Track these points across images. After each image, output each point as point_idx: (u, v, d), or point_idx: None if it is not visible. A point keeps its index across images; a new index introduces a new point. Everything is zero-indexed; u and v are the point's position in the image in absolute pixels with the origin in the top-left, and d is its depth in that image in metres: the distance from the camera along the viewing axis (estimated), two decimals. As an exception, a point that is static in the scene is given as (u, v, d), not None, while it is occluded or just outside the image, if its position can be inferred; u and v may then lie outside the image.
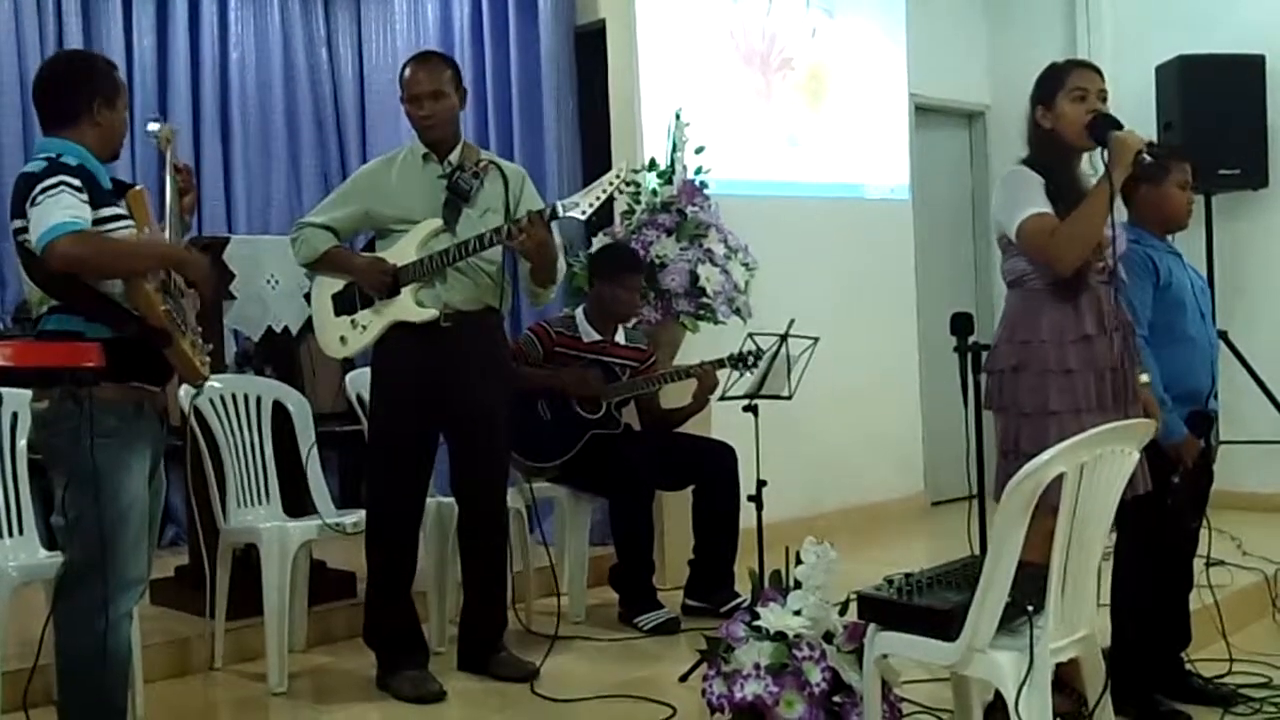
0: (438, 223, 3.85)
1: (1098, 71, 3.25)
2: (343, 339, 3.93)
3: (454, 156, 3.90)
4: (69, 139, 2.92)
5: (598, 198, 3.76)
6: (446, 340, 3.83)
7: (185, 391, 3.82)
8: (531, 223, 3.70)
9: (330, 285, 3.95)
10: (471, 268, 3.85)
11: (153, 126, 3.15)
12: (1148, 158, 3.06)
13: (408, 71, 3.90)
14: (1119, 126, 3.11)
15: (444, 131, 3.89)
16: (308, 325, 4.22)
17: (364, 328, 3.88)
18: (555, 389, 4.63)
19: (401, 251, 3.84)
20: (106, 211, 2.88)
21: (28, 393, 3.32)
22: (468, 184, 3.86)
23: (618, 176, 3.84)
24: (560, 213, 3.76)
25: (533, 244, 3.73)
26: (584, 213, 3.77)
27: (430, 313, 3.81)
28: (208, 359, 3.07)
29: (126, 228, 2.91)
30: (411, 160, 3.93)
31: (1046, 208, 3.09)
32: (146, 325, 2.88)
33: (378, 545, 3.90)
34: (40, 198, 2.76)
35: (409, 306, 3.82)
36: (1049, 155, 3.19)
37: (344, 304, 3.92)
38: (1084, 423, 2.95)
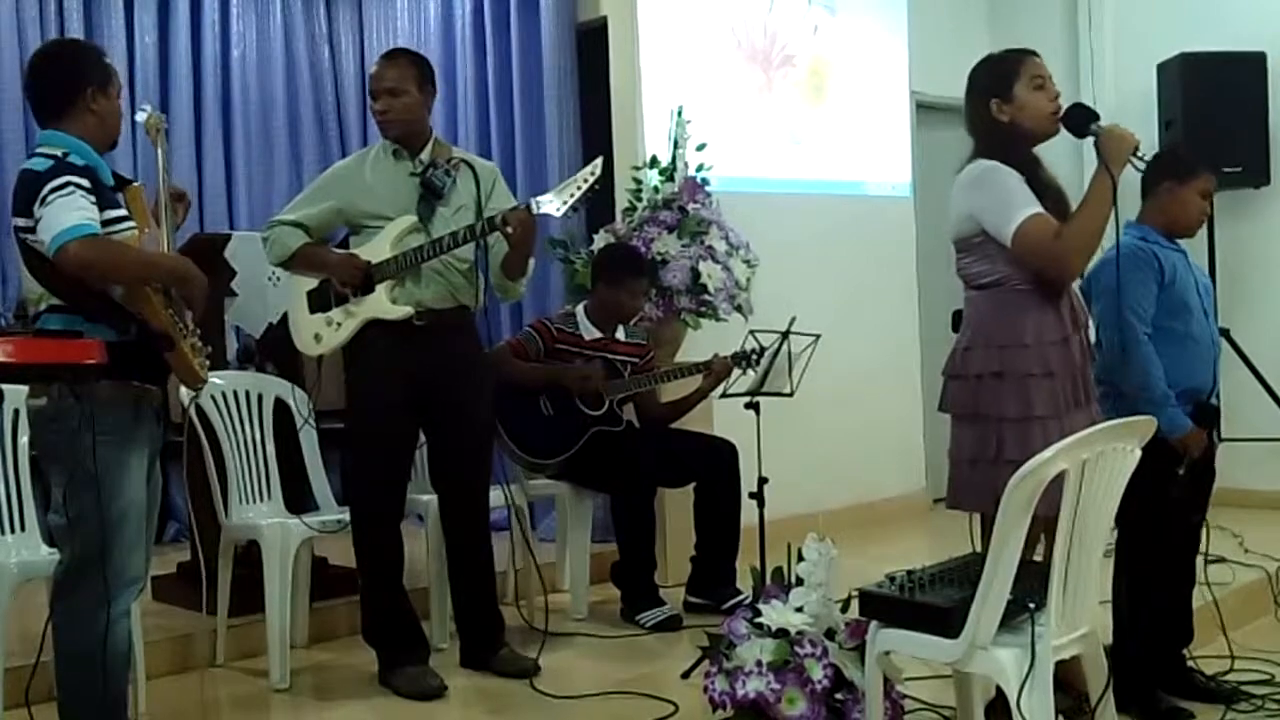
0: (412, 220, 3.84)
1: (1041, 58, 3.17)
2: (317, 337, 3.93)
3: (425, 154, 3.90)
4: (67, 131, 2.91)
5: (573, 194, 3.73)
6: (421, 338, 3.83)
7: (186, 390, 3.82)
8: (528, 214, 3.71)
9: (305, 283, 3.95)
10: (445, 266, 3.84)
11: (140, 116, 3.14)
12: (1140, 163, 3.02)
13: (373, 68, 3.91)
14: (1097, 117, 3.08)
15: (402, 129, 3.88)
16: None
17: (339, 325, 3.88)
18: (557, 385, 4.63)
19: (376, 249, 3.83)
20: (112, 214, 2.88)
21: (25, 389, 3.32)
22: (441, 181, 3.86)
23: (593, 173, 3.77)
24: (535, 209, 3.72)
25: (525, 234, 3.73)
26: (559, 210, 3.73)
27: (405, 310, 3.81)
28: (206, 362, 3.07)
29: (130, 229, 2.91)
30: (383, 157, 3.92)
31: (1039, 207, 3.01)
32: (148, 328, 2.88)
33: (363, 543, 3.91)
34: (51, 198, 2.75)
35: (383, 304, 3.82)
36: (1010, 149, 3.09)
37: (319, 301, 3.92)
38: (1064, 424, 2.94)
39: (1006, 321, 3.08)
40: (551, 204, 3.72)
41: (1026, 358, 3.05)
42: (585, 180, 3.75)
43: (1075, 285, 3.17)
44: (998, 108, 3.11)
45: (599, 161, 3.83)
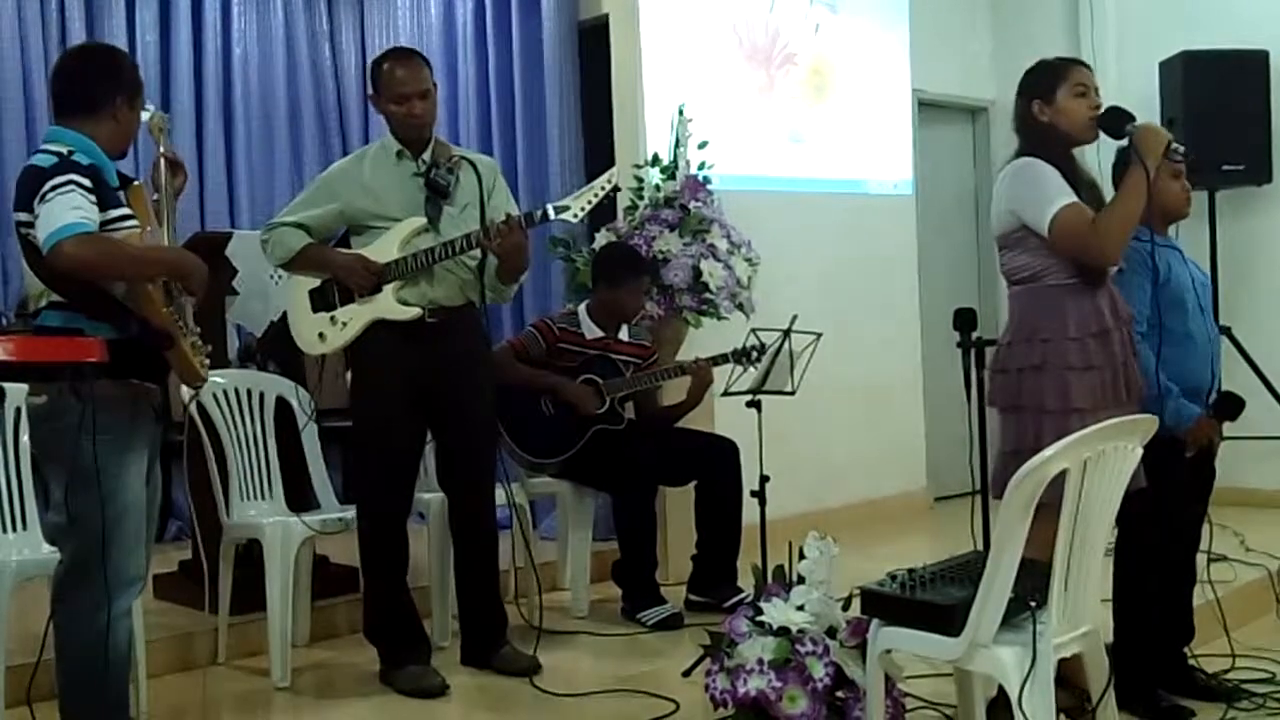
0: (421, 221, 3.83)
1: (1091, 70, 3.30)
2: (321, 336, 3.92)
3: (427, 154, 3.89)
4: (83, 131, 2.91)
5: (590, 201, 3.78)
6: (430, 336, 3.83)
7: (185, 388, 3.82)
8: (510, 228, 3.72)
9: (306, 282, 3.94)
10: (455, 263, 3.85)
11: (144, 115, 3.14)
12: (1179, 148, 3.13)
13: (388, 68, 3.86)
14: (1132, 119, 3.15)
15: (428, 130, 3.89)
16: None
17: (344, 324, 3.87)
18: (555, 395, 4.64)
19: (383, 249, 3.82)
20: (114, 213, 2.87)
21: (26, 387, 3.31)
22: (445, 180, 3.85)
23: (609, 181, 3.82)
24: (551, 215, 3.76)
25: (510, 248, 3.74)
26: (575, 216, 3.78)
27: (414, 311, 3.81)
28: (207, 360, 3.07)
29: (133, 228, 2.91)
30: (384, 157, 3.91)
31: (1074, 198, 3.09)
32: (149, 326, 2.88)
33: (369, 541, 3.91)
34: (50, 195, 2.75)
35: (391, 305, 3.82)
36: (1047, 148, 3.18)
37: (321, 301, 3.91)
38: (1102, 419, 2.94)
39: (1046, 315, 3.15)
40: (569, 211, 3.76)
41: (1066, 350, 3.11)
42: (603, 188, 3.81)
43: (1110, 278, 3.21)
44: (1039, 108, 3.22)
45: (615, 170, 3.92)
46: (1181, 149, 3.16)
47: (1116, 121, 3.16)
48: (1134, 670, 3.27)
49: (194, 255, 3.02)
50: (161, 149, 3.15)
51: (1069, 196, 3.09)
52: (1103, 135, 3.22)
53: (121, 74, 3.01)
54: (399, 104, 3.83)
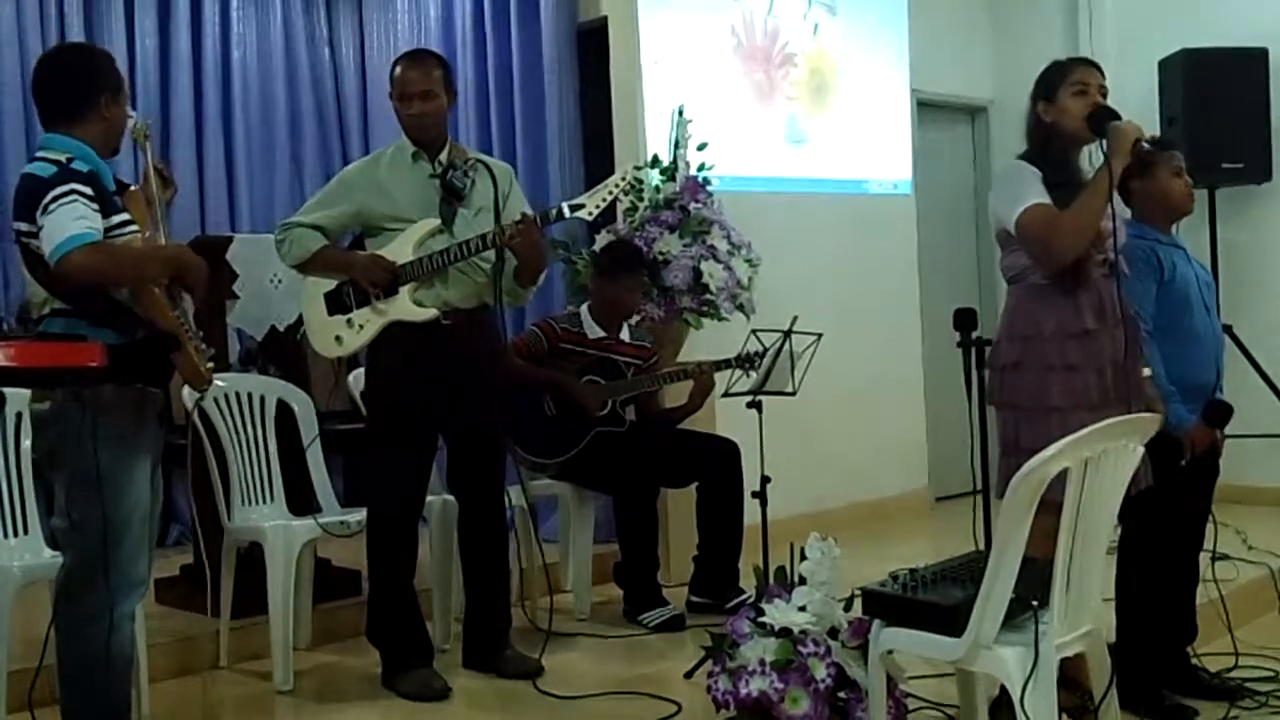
0: (435, 222, 3.84)
1: (1099, 69, 3.28)
2: (338, 339, 3.91)
3: (443, 156, 3.90)
4: (75, 135, 2.90)
5: (604, 199, 3.81)
6: (445, 338, 3.83)
7: (189, 392, 3.82)
8: (528, 225, 3.73)
9: (322, 285, 3.93)
10: (470, 265, 3.85)
11: (128, 123, 3.13)
12: (1146, 145, 3.11)
13: (398, 70, 3.89)
14: (1118, 118, 3.14)
15: (434, 131, 3.89)
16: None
17: (361, 327, 3.87)
18: (561, 392, 4.64)
19: (398, 250, 3.83)
20: (116, 219, 2.88)
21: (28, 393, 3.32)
22: (461, 182, 3.86)
23: (623, 178, 3.88)
24: (566, 214, 3.79)
25: (527, 245, 3.75)
26: (590, 214, 3.81)
27: (430, 312, 3.81)
28: (211, 364, 3.07)
29: (133, 233, 2.91)
30: (400, 159, 3.91)
31: (1045, 199, 3.09)
32: (155, 330, 2.88)
33: (379, 543, 3.90)
34: (53, 206, 2.74)
35: (408, 306, 3.82)
36: (1049, 149, 3.20)
37: (337, 304, 3.90)
38: (1085, 419, 2.93)
39: (1026, 314, 3.19)
40: (584, 209, 3.79)
41: (1044, 349, 3.13)
42: (617, 185, 3.85)
43: (1114, 281, 3.19)
44: (1043, 109, 3.24)
45: (628, 168, 3.98)
46: (1147, 146, 3.14)
47: (1102, 120, 3.15)
48: (1137, 669, 3.26)
49: (193, 252, 3.02)
50: (150, 158, 3.14)
51: (1038, 197, 3.09)
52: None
53: (102, 72, 2.98)
54: (401, 102, 3.86)
